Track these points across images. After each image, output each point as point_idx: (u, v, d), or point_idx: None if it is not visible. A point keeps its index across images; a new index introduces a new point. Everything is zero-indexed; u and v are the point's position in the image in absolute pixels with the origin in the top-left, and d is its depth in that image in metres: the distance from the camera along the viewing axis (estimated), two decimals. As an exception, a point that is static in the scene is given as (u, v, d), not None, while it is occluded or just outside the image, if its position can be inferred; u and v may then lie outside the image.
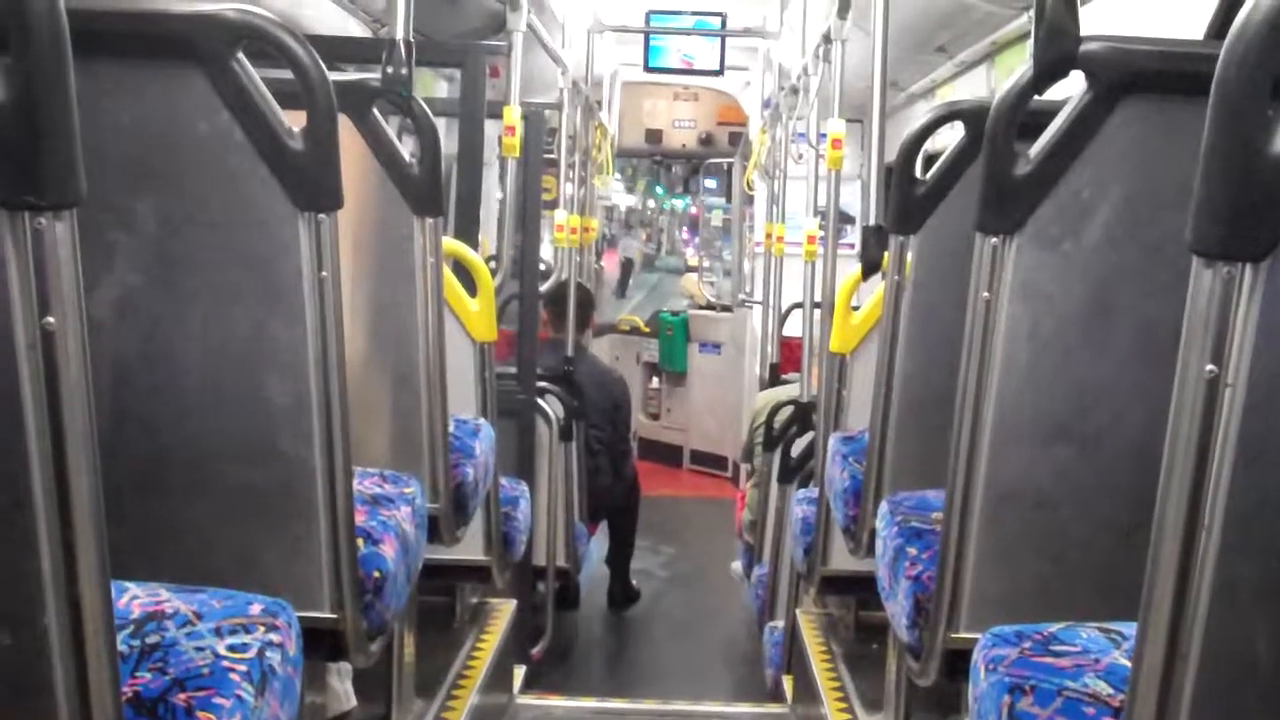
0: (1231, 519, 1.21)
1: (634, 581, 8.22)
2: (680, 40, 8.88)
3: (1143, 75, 2.02)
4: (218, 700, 1.57)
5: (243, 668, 1.64)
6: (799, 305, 6.10)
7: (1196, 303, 1.20)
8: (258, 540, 2.19)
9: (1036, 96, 2.07)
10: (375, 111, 2.87)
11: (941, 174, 2.92)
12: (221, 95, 2.01)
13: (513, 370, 5.59)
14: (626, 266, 13.94)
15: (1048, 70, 2.02)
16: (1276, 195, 1.14)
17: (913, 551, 2.55)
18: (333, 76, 2.08)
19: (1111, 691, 1.63)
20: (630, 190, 16.30)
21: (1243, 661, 1.26)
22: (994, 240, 2.11)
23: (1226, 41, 1.15)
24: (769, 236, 8.04)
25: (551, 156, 7.09)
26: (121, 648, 1.60)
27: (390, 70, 2.83)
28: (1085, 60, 2.01)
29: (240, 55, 2.01)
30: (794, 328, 6.96)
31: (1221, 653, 1.26)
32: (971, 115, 2.77)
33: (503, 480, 4.11)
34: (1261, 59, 1.13)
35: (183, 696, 1.56)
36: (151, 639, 1.66)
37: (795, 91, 6.43)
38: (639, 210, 16.57)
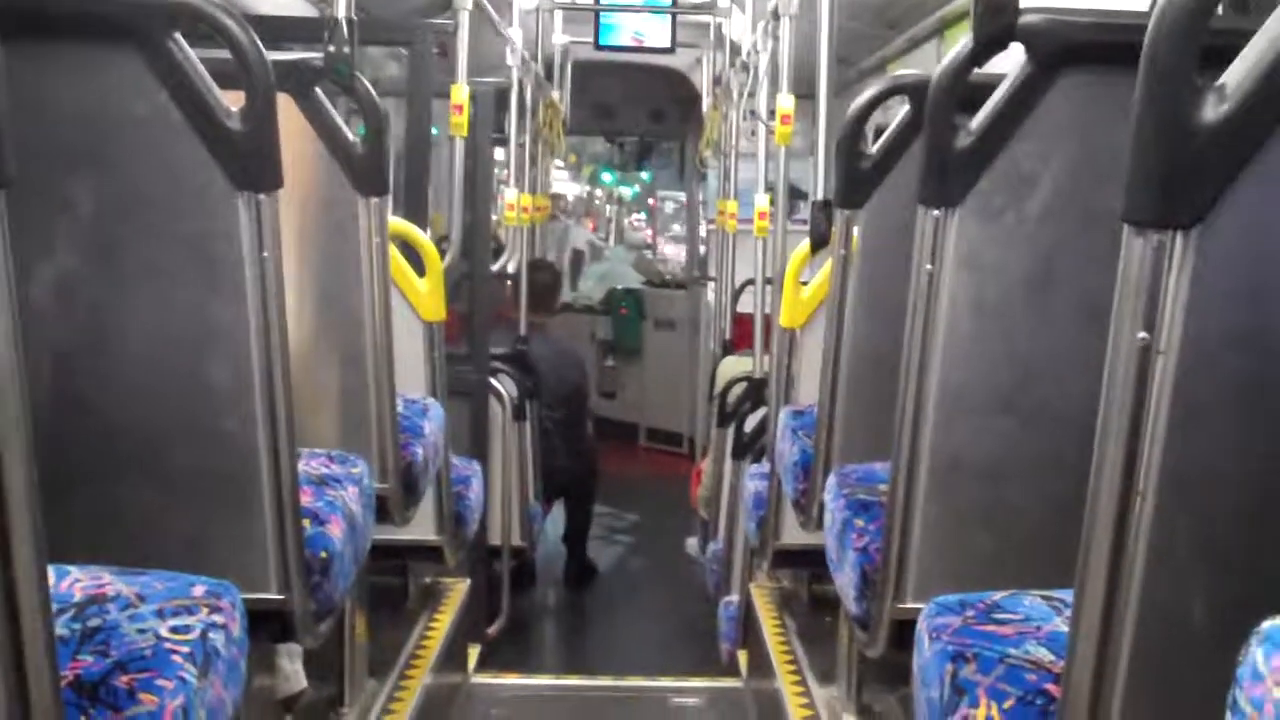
0: (1165, 484, 1.23)
1: (591, 559, 8.23)
2: (631, 17, 8.85)
3: (1081, 47, 2.04)
4: (160, 682, 1.56)
5: (185, 649, 1.64)
6: (751, 282, 6.10)
7: (1128, 271, 1.21)
8: (202, 522, 2.18)
9: (977, 70, 2.08)
10: (318, 91, 2.85)
11: (886, 148, 2.93)
12: (158, 75, 1.99)
13: (465, 350, 5.58)
14: (576, 258, 13.83)
15: (987, 43, 2.02)
16: (1205, 164, 1.15)
17: (860, 523, 2.57)
18: (275, 56, 2.07)
19: (1053, 658, 1.65)
20: (575, 179, 16.13)
21: (1178, 625, 1.28)
22: (936, 213, 2.12)
23: (1154, 12, 1.16)
24: (721, 213, 8.04)
25: (502, 136, 7.06)
26: (63, 631, 1.59)
27: (333, 49, 2.81)
28: (1024, 32, 2.02)
29: (177, 35, 1.99)
30: (748, 304, 6.98)
31: (1157, 616, 1.27)
32: (915, 89, 2.77)
33: (455, 460, 4.10)
34: (1188, 28, 1.14)
35: (125, 679, 1.55)
36: (93, 622, 1.65)
37: (745, 68, 6.43)
38: (584, 199, 16.42)
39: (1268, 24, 1.14)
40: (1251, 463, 1.24)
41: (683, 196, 13.52)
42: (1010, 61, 2.09)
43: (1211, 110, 1.15)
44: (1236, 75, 1.15)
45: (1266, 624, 1.00)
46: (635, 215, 16.29)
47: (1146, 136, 1.18)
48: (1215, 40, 1.17)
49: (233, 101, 2.04)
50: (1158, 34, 1.16)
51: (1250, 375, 1.22)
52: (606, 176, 15.74)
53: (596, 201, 16.38)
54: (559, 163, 7.33)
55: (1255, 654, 0.98)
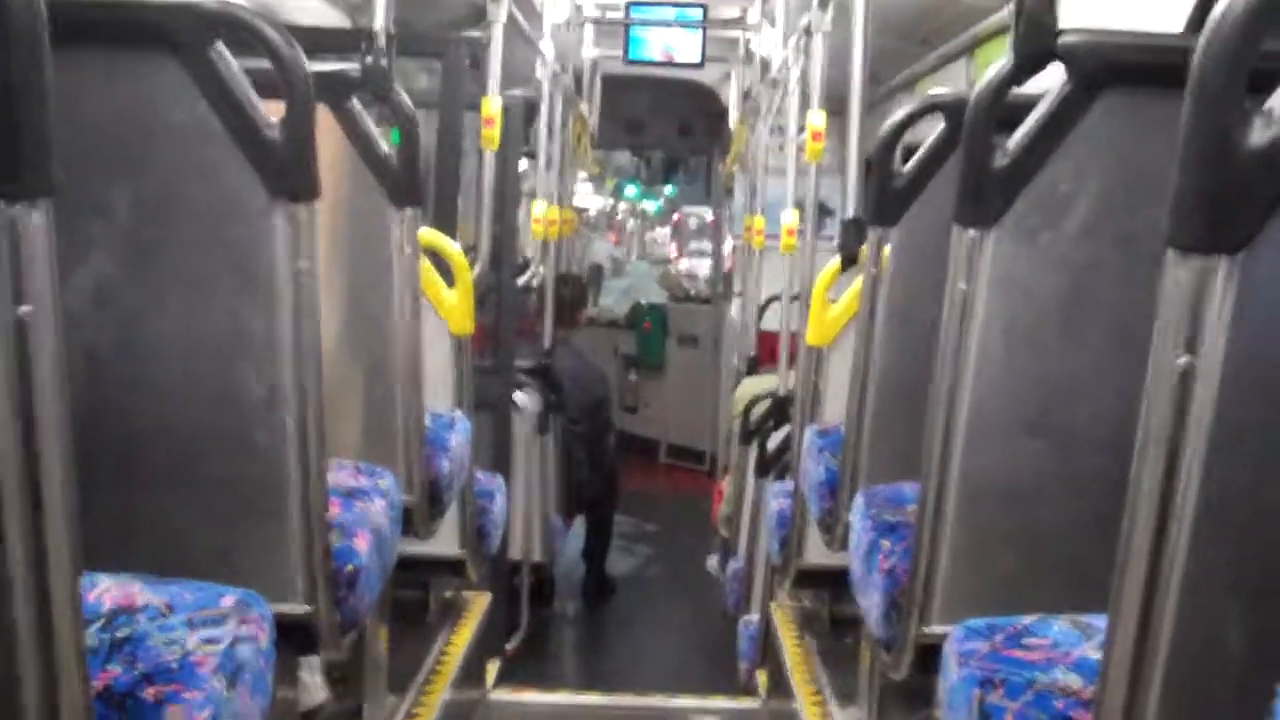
0: (1202, 511, 1.22)
1: (610, 574, 8.22)
2: (661, 32, 8.86)
3: (1122, 67, 2.03)
4: (187, 694, 1.56)
5: (214, 660, 1.64)
6: (777, 298, 6.09)
7: (1171, 294, 1.21)
8: (231, 532, 2.18)
9: (1016, 89, 2.08)
10: (354, 102, 2.86)
11: (920, 166, 2.92)
12: (199, 84, 2.00)
13: (490, 363, 5.58)
14: (595, 272, 13.77)
15: (1027, 62, 2.02)
16: (1252, 188, 1.15)
17: (886, 544, 2.55)
18: (312, 66, 2.07)
19: (1082, 684, 1.64)
20: (598, 191, 16.07)
21: (1212, 653, 1.27)
22: (971, 233, 2.12)
23: (1203, 34, 1.15)
24: (748, 229, 8.03)
25: (530, 149, 7.07)
26: (92, 641, 1.60)
27: (370, 61, 2.82)
28: (1065, 52, 2.02)
29: (219, 44, 2.00)
30: (772, 321, 6.96)
31: (1191, 645, 1.26)
32: (951, 108, 2.77)
33: (479, 473, 4.10)
34: (1237, 52, 1.14)
35: (152, 690, 1.55)
36: (122, 632, 1.65)
37: (775, 84, 6.42)
38: (607, 212, 16.35)
39: None
40: (1292, 490, 1.23)
41: (708, 212, 13.49)
42: (1046, 81, 2.09)
43: (1259, 134, 1.14)
44: (1284, 100, 1.14)
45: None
46: (659, 229, 16.24)
47: (1193, 160, 1.18)
48: (1264, 63, 1.17)
49: (271, 111, 2.05)
50: (1206, 56, 1.15)
51: (1292, 401, 1.21)
52: (630, 190, 15.67)
53: (619, 215, 16.32)
54: (582, 174, 7.28)
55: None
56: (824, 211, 6.58)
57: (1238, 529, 1.24)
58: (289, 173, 2.04)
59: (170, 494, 2.17)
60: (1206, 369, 1.19)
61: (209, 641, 1.68)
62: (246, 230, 2.07)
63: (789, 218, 5.66)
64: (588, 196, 15.35)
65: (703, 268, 13.73)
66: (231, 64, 2.01)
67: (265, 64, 2.02)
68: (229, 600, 1.78)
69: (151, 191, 2.06)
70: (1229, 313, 1.18)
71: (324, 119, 2.75)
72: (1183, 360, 1.20)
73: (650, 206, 15.86)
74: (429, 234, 3.67)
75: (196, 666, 1.61)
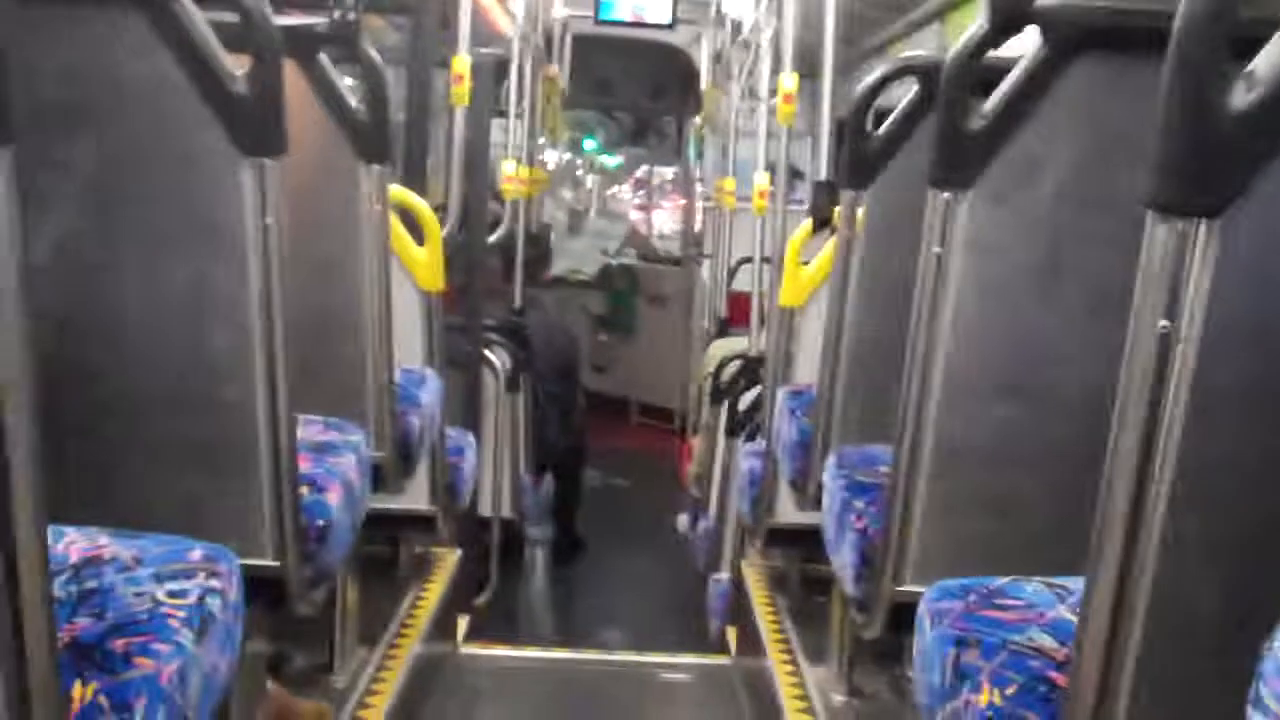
0: (1181, 474, 1.22)
1: (580, 532, 8.22)
2: (631, -8, 8.82)
3: (1097, 31, 2.02)
4: (156, 645, 1.55)
5: (182, 613, 1.63)
6: (748, 260, 6.08)
7: (1151, 258, 1.20)
8: (200, 487, 2.17)
9: (992, 52, 2.07)
10: (322, 57, 2.83)
11: (894, 129, 2.91)
12: (163, 36, 1.97)
13: (460, 321, 5.55)
14: (545, 230, 13.51)
15: (1002, 24, 2.01)
16: (1233, 151, 1.14)
17: (859, 505, 2.56)
18: (279, 20, 2.04)
19: (1056, 645, 1.64)
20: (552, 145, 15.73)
21: (1189, 615, 1.27)
22: (946, 195, 2.11)
23: (1185, -2, 1.14)
24: (719, 191, 8.02)
25: (500, 108, 7.02)
26: (59, 593, 1.58)
27: (338, 15, 2.79)
28: (1041, 15, 2.01)
29: None
30: (743, 282, 6.95)
31: (1168, 606, 1.26)
32: (925, 70, 2.76)
33: (449, 430, 4.09)
34: (1219, 15, 1.13)
35: (120, 642, 1.54)
36: (90, 584, 1.64)
37: (746, 46, 6.40)
38: (564, 167, 16.01)
39: None
40: (1270, 454, 1.23)
41: (669, 170, 13.41)
42: (1022, 45, 2.08)
43: (1240, 98, 1.14)
44: (1267, 62, 1.13)
45: (1292, 618, 0.99)
46: (619, 186, 15.97)
47: (1173, 122, 1.17)
48: (1245, 28, 1.16)
49: (238, 65, 2.02)
50: (1188, 19, 1.14)
51: (1270, 365, 1.21)
52: (589, 144, 15.33)
53: (578, 172, 16.03)
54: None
55: (1280, 648, 0.98)
56: (795, 174, 6.57)
57: (1216, 491, 1.24)
58: (256, 128, 2.02)
59: (138, 449, 2.15)
60: (1186, 333, 1.19)
61: (177, 595, 1.66)
62: (213, 186, 2.04)
63: (761, 180, 5.65)
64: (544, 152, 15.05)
65: (667, 225, 13.65)
66: (196, 17, 1.97)
67: (232, 18, 1.99)
68: (197, 554, 1.77)
69: (116, 146, 2.04)
70: (1209, 276, 1.17)
71: (292, 74, 2.72)
72: (1163, 324, 1.20)
73: (610, 162, 15.59)
74: (398, 191, 3.64)
75: (165, 619, 1.60)
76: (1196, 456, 1.21)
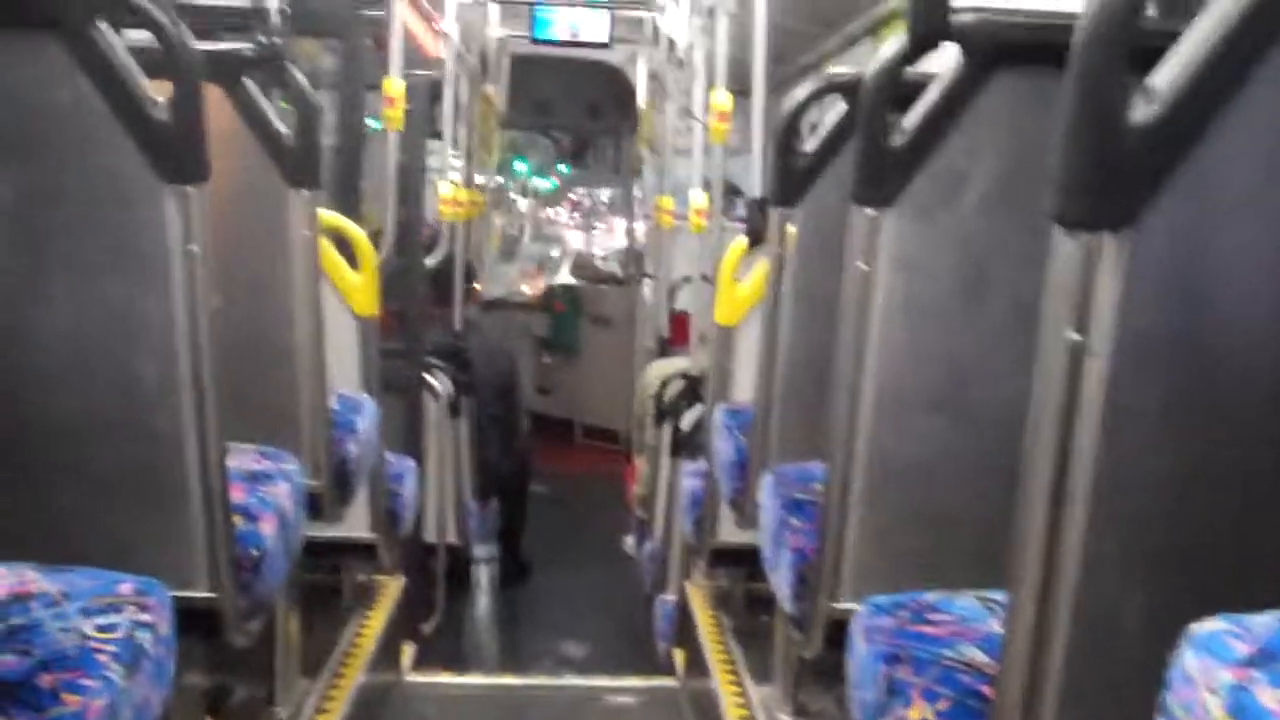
0: (1096, 486, 1.23)
1: (525, 556, 8.19)
2: (567, 11, 8.80)
3: (1015, 46, 2.04)
4: (84, 681, 1.53)
5: (112, 648, 1.61)
6: (688, 279, 6.10)
7: (1058, 272, 1.21)
8: (130, 519, 2.14)
9: (911, 68, 2.08)
10: (247, 81, 2.81)
11: (822, 146, 2.93)
12: (81, 63, 1.95)
13: (399, 345, 5.53)
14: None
15: (920, 41, 2.02)
16: (1134, 165, 1.15)
17: (795, 523, 2.56)
18: (205, 45, 2.03)
19: (987, 659, 1.65)
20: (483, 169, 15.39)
21: (1111, 626, 1.28)
22: (870, 212, 2.12)
23: (1083, 11, 1.15)
24: (658, 209, 8.03)
25: (435, 130, 7.01)
26: (-17, 630, 1.56)
27: (263, 39, 2.78)
28: (958, 31, 2.02)
29: (102, 22, 1.95)
30: (685, 301, 6.96)
31: (1090, 618, 1.27)
32: (850, 87, 2.77)
33: (389, 457, 4.07)
34: (1117, 28, 1.14)
35: (48, 678, 1.52)
36: (16, 620, 1.62)
37: (681, 64, 6.42)
38: (490, 190, 15.77)
39: (1195, 24, 1.14)
40: (1182, 465, 1.24)
41: (604, 192, 13.39)
42: (944, 61, 2.09)
43: (1140, 111, 1.15)
44: (1165, 76, 1.15)
45: (1195, 627, 1.00)
46: (551, 209, 15.80)
47: (1075, 137, 1.18)
48: (1144, 41, 1.17)
49: (159, 91, 2.00)
50: (1087, 33, 1.15)
51: (1181, 377, 1.22)
52: (520, 166, 15.14)
53: (510, 194, 15.82)
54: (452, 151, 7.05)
55: (1185, 657, 0.98)
56: (734, 191, 6.59)
57: (1131, 503, 1.25)
58: (177, 154, 2.00)
59: (65, 482, 2.13)
60: (1097, 346, 1.20)
61: (106, 629, 1.65)
62: (135, 213, 2.02)
63: (698, 198, 5.67)
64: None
65: (605, 246, 13.62)
66: (115, 43, 1.96)
67: (154, 43, 1.97)
68: (126, 587, 1.75)
69: (36, 175, 2.01)
70: (1118, 289, 1.18)
71: (218, 100, 2.70)
72: (1073, 337, 1.21)
73: (544, 184, 15.41)
74: (330, 216, 3.63)
75: (94, 654, 1.58)
76: (1111, 467, 1.22)
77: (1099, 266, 1.18)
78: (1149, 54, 1.16)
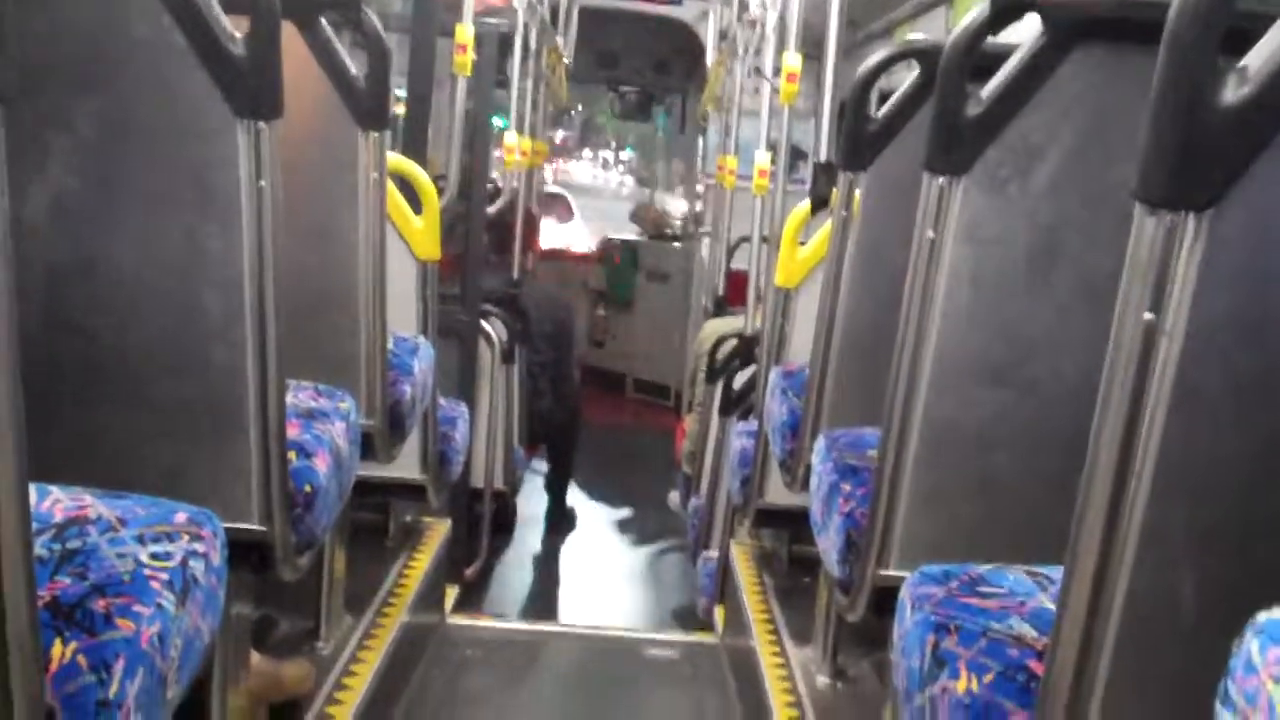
0: (1161, 466, 1.22)
1: (571, 506, 8.24)
2: (639, -33, 8.78)
3: (1098, 21, 2.01)
4: (137, 608, 1.54)
5: (164, 576, 1.62)
6: (747, 239, 6.08)
7: (1138, 250, 1.20)
8: (187, 449, 2.16)
9: (991, 38, 2.06)
10: (323, 22, 2.82)
11: (893, 112, 2.90)
12: None
13: (457, 291, 5.55)
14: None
15: (1002, 11, 2.00)
16: (1222, 146, 1.14)
17: (846, 488, 2.56)
18: None
19: (1035, 634, 1.64)
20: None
21: (1167, 608, 1.27)
22: (941, 180, 2.10)
23: (1179, -10, 1.14)
24: (721, 169, 8.01)
25: (504, 79, 7.01)
26: (41, 551, 1.58)
27: (339, -21, 2.78)
28: (1041, 3, 2.00)
29: None
30: (742, 261, 6.95)
31: (1146, 599, 1.27)
32: (926, 54, 2.75)
33: (442, 401, 4.09)
34: (1212, 9, 1.12)
35: (102, 603, 1.53)
36: (73, 544, 1.63)
37: (752, 25, 6.38)
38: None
39: None
40: (1250, 449, 1.23)
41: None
42: (1023, 32, 2.07)
43: (1232, 92, 1.14)
44: (1259, 58, 1.13)
45: (1263, 615, 0.99)
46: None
47: (1164, 116, 1.17)
48: (1239, 22, 1.15)
49: (237, 27, 2.01)
50: (1182, 12, 1.14)
51: (1253, 361, 1.21)
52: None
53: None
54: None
55: (1250, 645, 0.98)
56: (797, 154, 6.56)
57: (1196, 485, 1.24)
58: (252, 90, 2.01)
59: (127, 410, 2.14)
60: (1171, 326, 1.19)
61: (160, 557, 1.66)
62: (209, 148, 2.03)
63: (762, 159, 5.64)
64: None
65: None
66: None
67: None
68: (182, 517, 1.77)
69: (113, 106, 2.02)
70: (1195, 271, 1.17)
71: (292, 38, 2.71)
72: (1147, 317, 1.20)
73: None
74: (397, 160, 3.64)
75: (148, 581, 1.60)
76: (1178, 449, 1.21)
77: (1179, 247, 1.17)
78: (1243, 35, 1.15)
